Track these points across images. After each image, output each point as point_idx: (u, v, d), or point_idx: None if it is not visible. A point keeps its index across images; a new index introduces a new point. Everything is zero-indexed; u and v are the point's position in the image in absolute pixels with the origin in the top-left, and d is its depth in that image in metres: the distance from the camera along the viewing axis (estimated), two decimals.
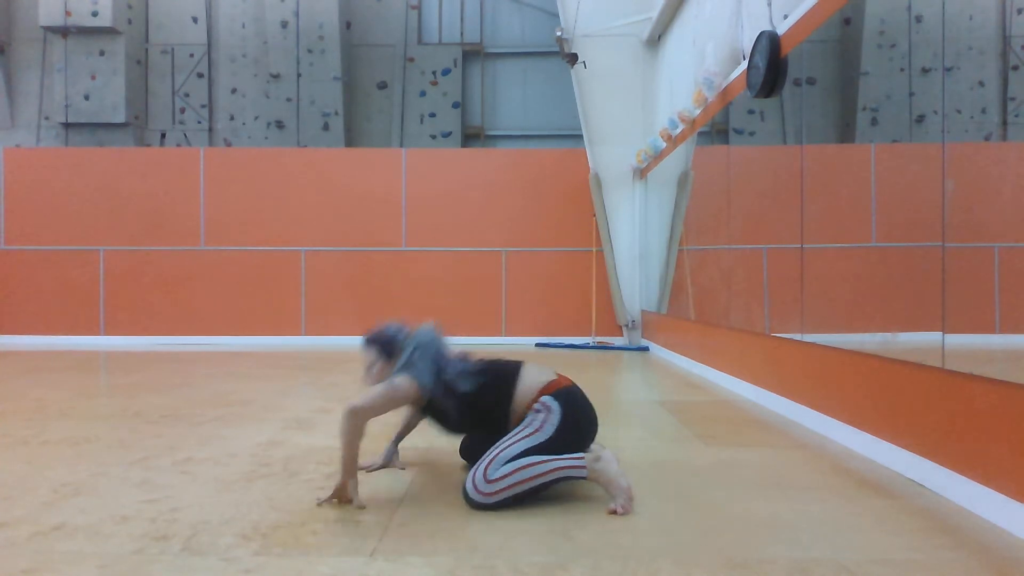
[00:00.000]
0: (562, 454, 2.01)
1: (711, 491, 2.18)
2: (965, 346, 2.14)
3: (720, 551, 1.69)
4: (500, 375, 2.14)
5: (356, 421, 1.95)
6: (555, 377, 2.16)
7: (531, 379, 2.12)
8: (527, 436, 2.00)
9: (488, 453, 1.98)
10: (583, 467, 1.96)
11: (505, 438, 2.02)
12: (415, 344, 2.12)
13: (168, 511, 1.97)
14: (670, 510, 1.99)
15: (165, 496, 2.11)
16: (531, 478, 1.93)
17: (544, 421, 2.03)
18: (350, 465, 1.99)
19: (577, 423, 2.09)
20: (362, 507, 1.98)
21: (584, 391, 2.21)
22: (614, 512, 1.93)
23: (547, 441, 2.00)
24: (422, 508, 2.00)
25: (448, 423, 2.19)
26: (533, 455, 1.97)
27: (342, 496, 2.00)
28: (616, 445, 2.71)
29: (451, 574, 1.57)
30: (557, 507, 1.99)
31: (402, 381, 2.03)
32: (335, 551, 1.69)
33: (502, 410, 2.10)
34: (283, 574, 1.56)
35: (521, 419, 2.08)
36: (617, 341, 7.56)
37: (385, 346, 2.17)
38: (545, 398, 2.07)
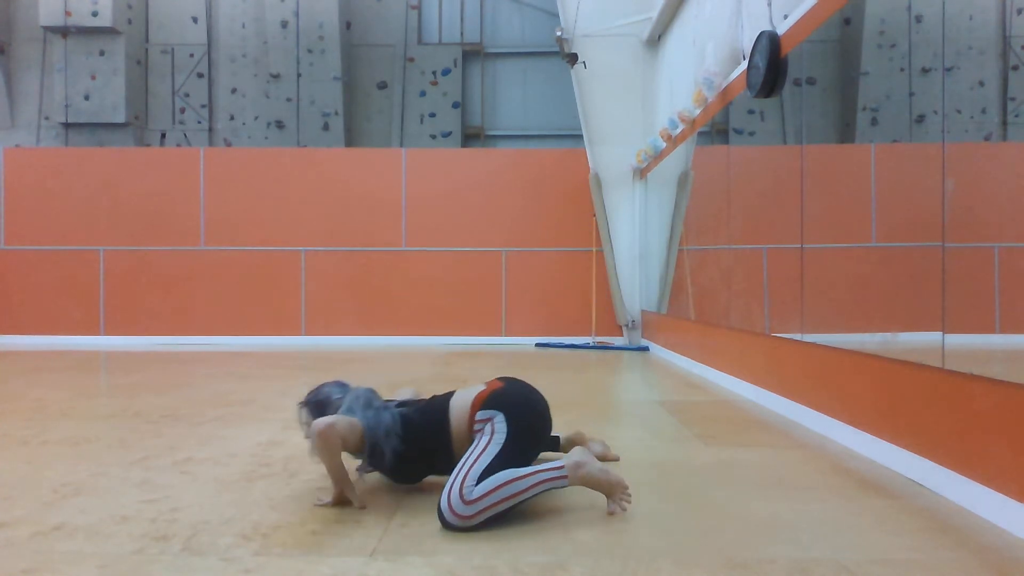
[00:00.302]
0: (526, 452, 1.99)
1: (711, 491, 2.18)
2: (965, 346, 2.14)
3: (720, 551, 1.69)
4: (431, 415, 2.08)
5: (325, 439, 1.91)
6: (483, 387, 2.10)
7: (460, 404, 2.06)
8: (484, 450, 1.91)
9: (454, 475, 1.87)
10: (564, 476, 1.90)
11: (464, 459, 1.91)
12: (350, 399, 2.10)
13: (168, 511, 1.97)
14: (670, 510, 1.99)
15: (165, 496, 2.11)
16: (512, 495, 1.83)
17: (492, 430, 1.96)
18: (339, 475, 1.98)
19: (524, 415, 2.02)
20: (363, 507, 1.99)
21: (524, 381, 2.18)
22: (614, 513, 1.92)
23: (507, 443, 1.93)
24: (422, 508, 2.00)
25: (397, 476, 2.13)
26: (507, 468, 1.88)
27: (342, 502, 2.00)
28: (616, 445, 2.71)
29: (451, 574, 1.57)
30: (557, 507, 1.99)
31: (349, 418, 2.01)
32: (335, 551, 1.69)
33: (444, 446, 2.05)
34: (283, 574, 1.56)
35: (468, 445, 2.02)
36: (617, 341, 7.56)
37: (317, 407, 2.15)
38: (479, 413, 2.01)
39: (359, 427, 1.99)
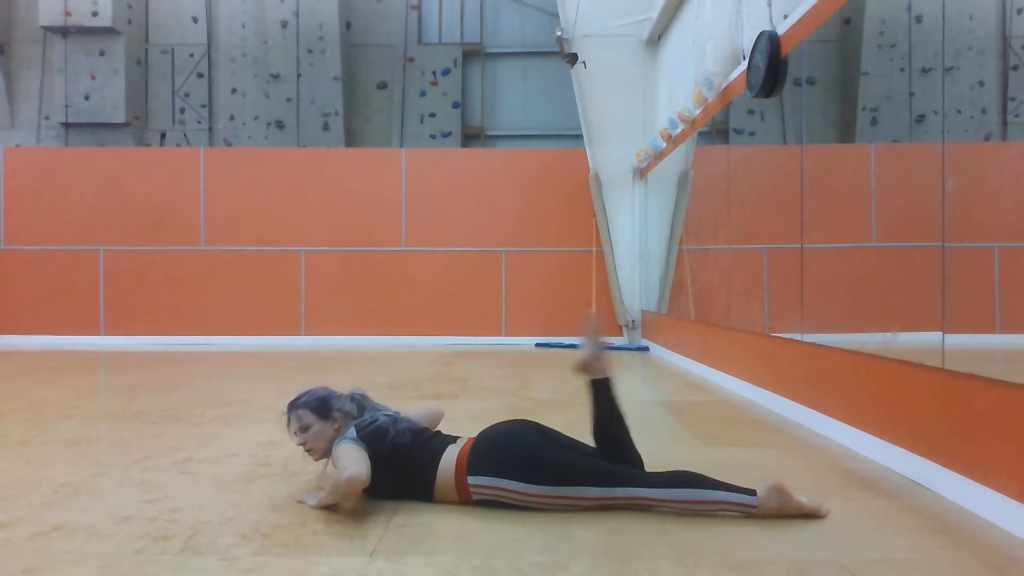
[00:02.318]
0: (550, 452, 1.96)
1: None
2: (965, 346, 2.14)
3: (720, 551, 1.69)
4: (427, 451, 2.06)
5: (353, 491, 1.89)
6: (464, 443, 2.07)
7: (449, 456, 2.02)
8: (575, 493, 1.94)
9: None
10: (753, 506, 1.88)
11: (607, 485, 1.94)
12: (358, 406, 2.11)
13: (168, 511, 1.97)
14: (670, 510, 1.99)
15: (165, 496, 2.11)
16: (693, 501, 1.91)
17: (524, 490, 1.94)
18: (327, 506, 1.98)
19: (510, 460, 1.96)
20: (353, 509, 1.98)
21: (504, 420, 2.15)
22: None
23: (544, 479, 1.93)
24: (422, 508, 2.00)
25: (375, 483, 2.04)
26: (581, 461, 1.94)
27: (326, 508, 1.99)
28: None
29: (451, 574, 1.57)
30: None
31: (349, 446, 1.97)
32: (335, 551, 1.69)
33: (426, 484, 2.02)
34: (283, 574, 1.56)
35: (452, 494, 2.01)
36: (617, 341, 7.55)
37: (320, 408, 2.12)
38: (471, 479, 1.96)
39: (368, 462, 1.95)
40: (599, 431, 2.06)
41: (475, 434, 2.11)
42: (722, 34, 4.46)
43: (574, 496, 1.93)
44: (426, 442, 2.09)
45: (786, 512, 1.89)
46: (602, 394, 2.07)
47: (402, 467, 2.02)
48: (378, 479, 1.97)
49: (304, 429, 2.12)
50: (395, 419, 2.12)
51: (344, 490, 1.89)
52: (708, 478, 1.95)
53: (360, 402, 2.17)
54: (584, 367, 2.08)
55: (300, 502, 2.03)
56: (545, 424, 2.10)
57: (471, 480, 1.97)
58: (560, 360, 6.13)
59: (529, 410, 3.53)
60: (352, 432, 2.04)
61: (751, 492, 1.90)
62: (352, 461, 1.90)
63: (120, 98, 10.34)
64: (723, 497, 1.90)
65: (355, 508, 1.98)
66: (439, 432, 2.19)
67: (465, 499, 2.00)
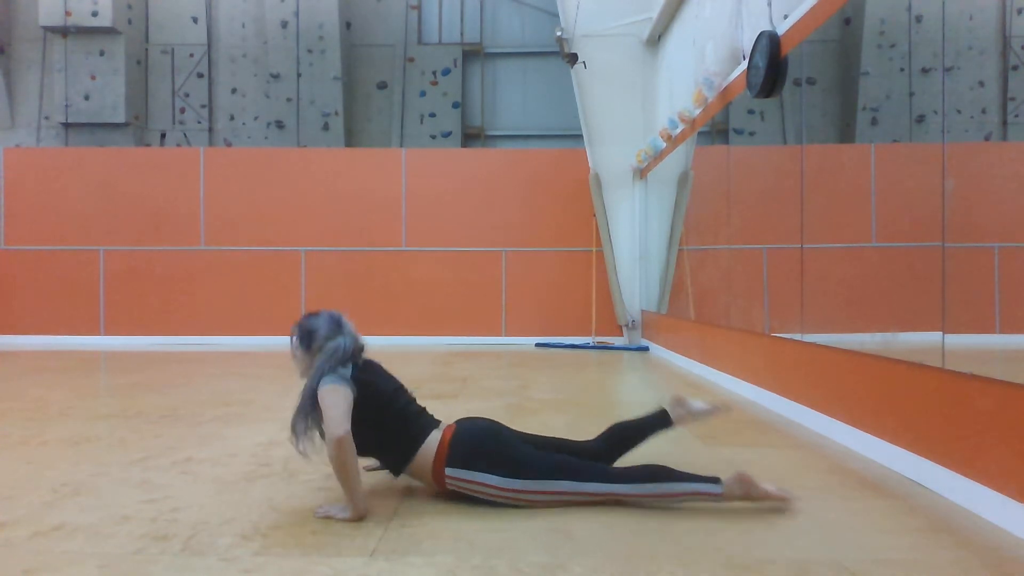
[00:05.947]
0: (515, 446, 2.00)
1: None
2: (965, 346, 2.14)
3: (720, 551, 1.69)
4: (416, 424, 2.07)
5: (346, 446, 1.85)
6: (444, 431, 2.07)
7: (431, 442, 2.03)
8: (541, 484, 1.97)
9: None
10: (719, 494, 1.95)
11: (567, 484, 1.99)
12: (330, 349, 2.04)
13: (168, 511, 1.97)
14: (670, 510, 1.99)
15: (165, 496, 2.11)
16: (662, 495, 1.98)
17: (498, 487, 1.96)
18: (359, 491, 1.91)
19: (480, 451, 1.99)
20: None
21: (480, 418, 2.16)
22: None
23: (513, 470, 1.96)
24: (422, 508, 2.00)
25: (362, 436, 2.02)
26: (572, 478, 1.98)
27: (361, 518, 1.93)
28: None
29: (451, 574, 1.57)
30: (557, 507, 1.99)
31: (335, 388, 1.94)
32: (335, 551, 1.69)
33: (404, 454, 2.03)
34: (283, 574, 1.56)
35: (427, 474, 2.03)
36: (617, 341, 7.55)
37: (305, 339, 2.11)
38: (448, 470, 1.98)
39: (351, 397, 1.95)
40: (621, 434, 2.20)
41: (453, 422, 2.13)
42: (722, 34, 4.46)
43: (546, 491, 1.96)
44: (416, 417, 2.09)
45: (752, 498, 1.96)
46: (660, 427, 2.30)
47: (387, 433, 2.03)
48: (361, 436, 1.95)
49: (293, 351, 2.14)
50: (396, 386, 2.15)
51: (339, 457, 1.84)
52: (675, 471, 2.01)
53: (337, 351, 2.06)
54: (679, 407, 2.31)
55: (327, 516, 1.92)
56: (542, 424, 2.11)
57: (448, 472, 1.99)
58: (560, 360, 6.13)
59: (529, 410, 3.53)
60: (347, 372, 2.01)
61: (716, 480, 1.96)
62: (334, 420, 1.86)
63: (120, 98, 10.34)
64: (690, 488, 1.96)
65: (368, 509, 1.95)
66: (425, 410, 2.18)
67: (440, 486, 2.02)
